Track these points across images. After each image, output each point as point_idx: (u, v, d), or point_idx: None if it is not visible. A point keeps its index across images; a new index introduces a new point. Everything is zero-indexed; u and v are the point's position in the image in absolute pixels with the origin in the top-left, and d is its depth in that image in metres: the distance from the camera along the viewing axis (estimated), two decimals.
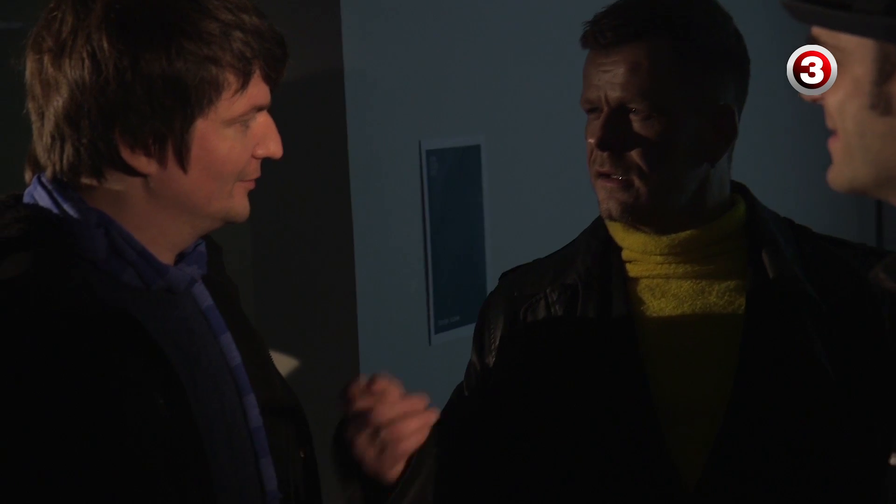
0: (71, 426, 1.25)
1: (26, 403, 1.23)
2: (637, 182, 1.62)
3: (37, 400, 1.24)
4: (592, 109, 1.66)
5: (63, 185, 1.37)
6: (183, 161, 1.36)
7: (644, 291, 1.69)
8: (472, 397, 1.79)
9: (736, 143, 1.69)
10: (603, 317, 1.68)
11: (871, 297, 1.63)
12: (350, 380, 1.55)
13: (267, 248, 2.61)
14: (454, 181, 2.74)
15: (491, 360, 1.77)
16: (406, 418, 1.52)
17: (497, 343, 1.76)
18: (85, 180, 1.36)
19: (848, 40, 1.14)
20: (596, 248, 1.73)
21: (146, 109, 1.32)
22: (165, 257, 1.42)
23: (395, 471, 1.50)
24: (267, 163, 1.46)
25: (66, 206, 1.36)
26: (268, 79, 1.40)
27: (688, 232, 1.66)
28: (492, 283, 2.84)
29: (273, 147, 1.43)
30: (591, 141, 1.64)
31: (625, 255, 1.71)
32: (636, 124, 1.61)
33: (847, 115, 1.16)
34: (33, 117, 1.38)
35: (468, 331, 2.81)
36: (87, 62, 1.31)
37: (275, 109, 1.45)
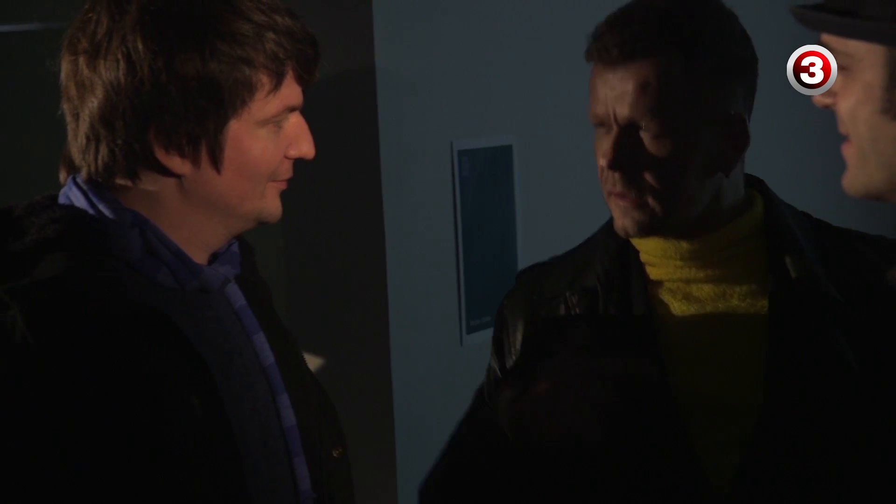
0: (107, 426, 1.25)
1: (62, 403, 1.24)
2: (651, 200, 1.59)
3: (73, 400, 1.24)
4: (600, 124, 1.63)
5: (98, 185, 1.38)
6: (216, 161, 1.36)
7: (665, 294, 1.67)
8: (492, 403, 1.77)
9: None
10: (624, 319, 1.66)
11: (892, 290, 1.61)
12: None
13: (299, 249, 2.61)
14: (486, 182, 2.74)
15: (511, 364, 1.75)
16: None
17: (517, 347, 1.74)
18: (119, 181, 1.37)
19: (857, 46, 1.14)
20: (614, 249, 1.70)
21: (180, 110, 1.33)
22: (199, 257, 1.42)
23: None
24: (298, 162, 1.47)
25: (101, 207, 1.37)
26: (300, 79, 1.41)
27: (706, 236, 1.64)
28: None
29: (305, 147, 1.44)
30: (603, 162, 1.61)
31: (643, 257, 1.69)
32: (647, 143, 1.58)
33: (859, 120, 1.16)
34: (68, 118, 1.39)
35: None
36: (122, 63, 1.32)
37: (306, 109, 1.46)
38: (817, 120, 3.99)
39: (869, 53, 1.14)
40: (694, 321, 1.65)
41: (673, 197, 1.59)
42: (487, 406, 1.73)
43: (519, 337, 1.75)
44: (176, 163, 1.36)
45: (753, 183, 1.71)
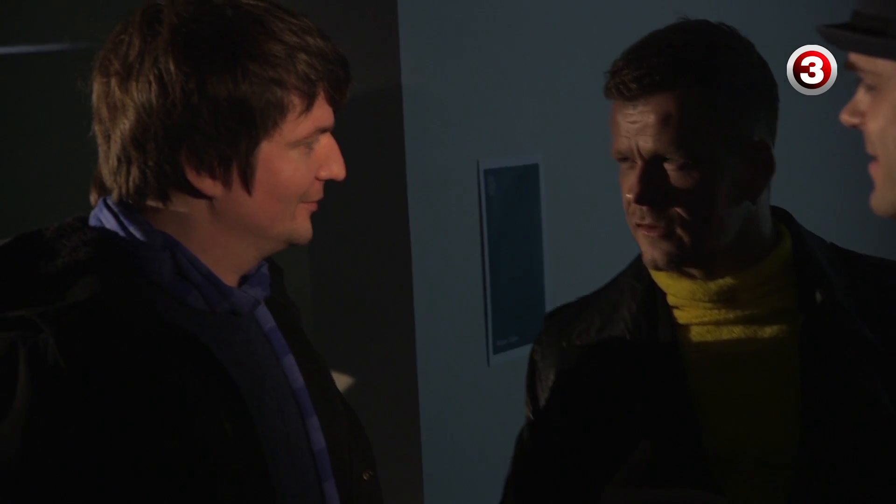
0: (139, 449, 1.25)
1: (94, 426, 1.23)
2: (680, 231, 1.58)
3: (105, 423, 1.24)
4: (624, 159, 1.62)
5: (129, 207, 1.38)
6: (248, 183, 1.36)
7: (694, 338, 1.65)
8: (532, 451, 1.76)
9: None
10: (652, 367, 1.64)
11: None
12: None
13: (325, 268, 2.61)
14: (512, 201, 2.73)
15: (545, 414, 1.74)
16: None
17: (550, 395, 1.73)
18: (150, 203, 1.37)
19: (885, 66, 1.13)
20: (641, 293, 1.69)
21: (212, 132, 1.32)
22: (229, 279, 1.42)
23: None
24: (325, 182, 1.46)
25: (132, 229, 1.36)
26: (331, 100, 1.40)
27: (735, 276, 1.62)
28: (550, 304, 2.84)
29: (336, 169, 1.43)
30: (629, 196, 1.60)
31: (671, 300, 1.67)
32: (672, 175, 1.57)
33: (888, 140, 1.15)
34: (99, 140, 1.39)
35: (526, 351, 2.79)
36: (153, 85, 1.32)
37: (333, 128, 1.45)
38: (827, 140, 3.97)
39: None
40: (724, 365, 1.63)
41: (701, 226, 1.57)
42: (529, 459, 1.74)
43: (551, 385, 1.74)
44: (207, 184, 1.35)
45: (780, 216, 1.70)
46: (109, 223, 1.38)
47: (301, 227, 1.43)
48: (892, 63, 1.12)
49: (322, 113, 1.39)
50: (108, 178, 1.39)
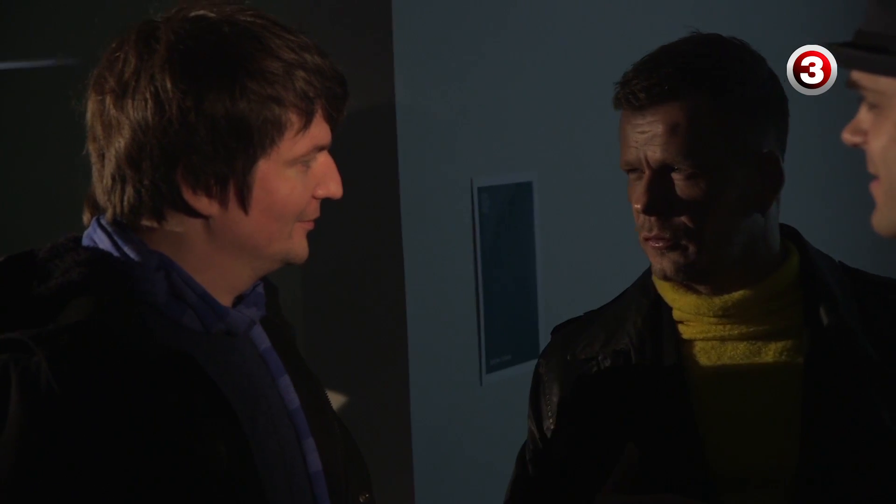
0: (132, 472, 1.23)
1: (88, 450, 1.21)
2: (688, 241, 1.58)
3: (98, 446, 1.22)
4: (632, 170, 1.62)
5: (123, 227, 1.36)
6: (245, 202, 1.34)
7: (699, 354, 1.64)
8: (536, 469, 1.75)
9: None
10: (656, 382, 1.64)
11: None
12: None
13: (318, 287, 2.59)
14: (506, 219, 2.72)
15: (549, 427, 1.74)
16: None
17: (555, 409, 1.73)
18: (145, 222, 1.35)
19: (889, 84, 1.12)
20: (647, 308, 1.69)
21: (209, 150, 1.31)
22: (225, 299, 1.40)
23: None
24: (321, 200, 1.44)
25: (126, 249, 1.34)
26: (329, 118, 1.39)
27: (741, 292, 1.61)
28: (543, 322, 2.83)
29: (333, 188, 1.42)
30: (637, 206, 1.59)
31: (676, 315, 1.66)
32: (680, 185, 1.57)
33: (891, 160, 1.14)
34: (93, 158, 1.37)
35: (520, 370, 2.81)
36: (150, 103, 1.30)
37: (330, 146, 1.44)
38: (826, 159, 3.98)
39: None
40: (728, 382, 1.62)
41: (709, 237, 1.57)
42: (531, 475, 1.73)
43: (555, 400, 1.73)
44: (203, 203, 1.33)
45: (788, 233, 1.69)
46: (103, 243, 1.36)
47: (298, 246, 1.42)
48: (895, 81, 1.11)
49: (320, 131, 1.38)
50: (101, 198, 1.37)
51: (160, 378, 1.27)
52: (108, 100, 1.33)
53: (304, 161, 1.38)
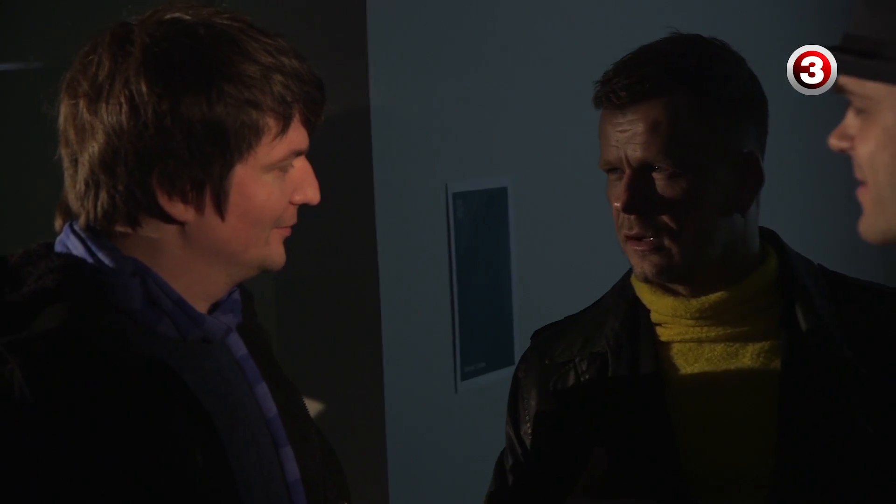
0: (108, 481, 1.21)
1: (62, 459, 1.19)
2: (669, 242, 1.57)
3: (73, 456, 1.20)
4: (612, 170, 1.61)
5: (97, 233, 1.34)
6: (221, 208, 1.32)
7: (676, 356, 1.64)
8: (514, 474, 1.74)
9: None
10: (633, 385, 1.63)
11: None
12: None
13: (291, 292, 2.57)
14: (481, 224, 2.70)
15: (527, 431, 1.73)
16: None
17: (532, 413, 1.72)
18: (119, 228, 1.33)
19: (877, 89, 1.11)
20: (624, 310, 1.68)
21: (185, 155, 1.29)
22: (201, 306, 1.38)
23: None
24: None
25: (100, 256, 1.32)
26: (307, 123, 1.37)
27: (719, 293, 1.61)
28: (518, 329, 2.82)
29: (311, 193, 1.40)
30: (617, 205, 1.58)
31: (654, 317, 1.66)
32: (661, 183, 1.56)
33: (879, 166, 1.13)
34: (66, 164, 1.35)
35: (495, 377, 2.79)
36: (124, 106, 1.28)
37: (307, 151, 1.42)
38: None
39: (889, 96, 1.11)
40: (705, 384, 1.62)
41: (690, 237, 1.56)
42: (510, 479, 1.72)
43: (533, 404, 1.72)
44: (179, 209, 1.31)
45: (767, 236, 1.69)
46: (77, 249, 1.33)
47: (275, 252, 1.40)
48: (884, 86, 1.10)
49: (297, 135, 1.36)
50: (74, 203, 1.34)
51: (136, 386, 1.25)
52: (82, 104, 1.30)
53: (281, 166, 1.36)
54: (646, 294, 1.66)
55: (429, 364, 2.61)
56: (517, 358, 2.73)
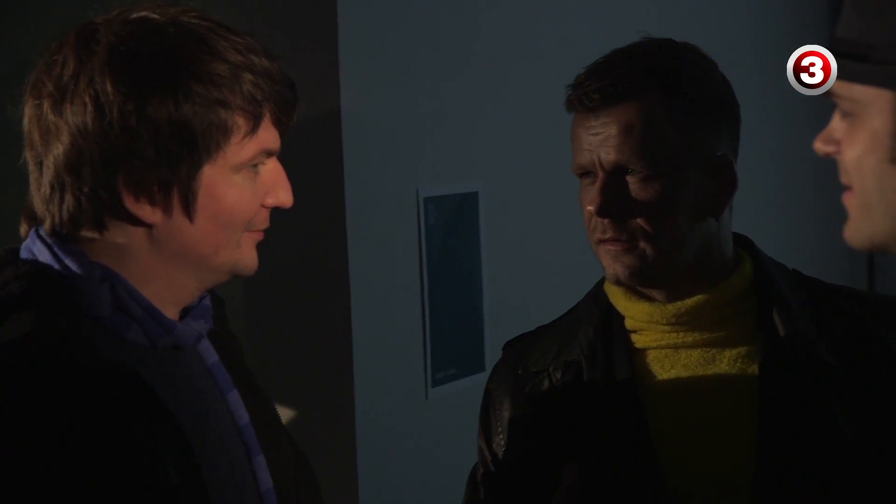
0: (77, 493, 1.17)
1: (31, 470, 1.16)
2: (643, 244, 1.55)
3: (42, 466, 1.17)
4: (585, 174, 1.59)
5: (63, 238, 1.31)
6: (189, 209, 1.29)
7: (652, 363, 1.62)
8: (487, 487, 1.72)
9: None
10: (609, 393, 1.61)
11: (888, 351, 1.57)
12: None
13: (260, 298, 2.54)
14: (452, 229, 2.68)
15: (499, 442, 1.70)
16: None
17: (505, 424, 1.69)
18: (86, 233, 1.30)
19: (865, 92, 1.10)
20: (598, 318, 1.66)
21: (151, 155, 1.26)
22: (171, 312, 1.35)
23: None
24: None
25: (67, 261, 1.29)
26: (278, 123, 1.35)
27: (695, 298, 1.59)
28: (489, 336, 2.80)
29: (283, 196, 1.38)
30: (590, 208, 1.56)
31: (629, 324, 1.64)
32: (635, 186, 1.54)
33: (866, 170, 1.12)
34: (31, 167, 1.32)
35: (465, 384, 2.77)
36: (89, 106, 1.25)
37: (279, 153, 1.39)
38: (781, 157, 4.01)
39: (877, 99, 1.10)
40: (682, 390, 1.60)
41: (664, 240, 1.55)
42: (481, 497, 1.70)
43: (506, 415, 1.69)
44: (146, 211, 1.28)
45: (740, 241, 1.67)
46: (43, 255, 1.30)
47: (247, 257, 1.37)
48: (872, 89, 1.09)
49: (268, 135, 1.34)
50: (40, 207, 1.31)
51: (104, 395, 1.22)
52: (46, 104, 1.28)
53: (252, 166, 1.33)
54: (620, 301, 1.64)
55: (400, 370, 2.58)
56: (488, 364, 2.74)
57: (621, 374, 1.61)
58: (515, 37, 2.90)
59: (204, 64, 1.27)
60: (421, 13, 2.62)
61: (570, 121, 1.63)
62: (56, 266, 1.29)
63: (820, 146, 1.16)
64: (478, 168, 2.77)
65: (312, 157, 2.43)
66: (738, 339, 1.61)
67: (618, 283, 1.59)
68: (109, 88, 1.25)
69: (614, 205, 1.54)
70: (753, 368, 1.59)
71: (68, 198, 1.28)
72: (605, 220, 1.55)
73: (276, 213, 1.41)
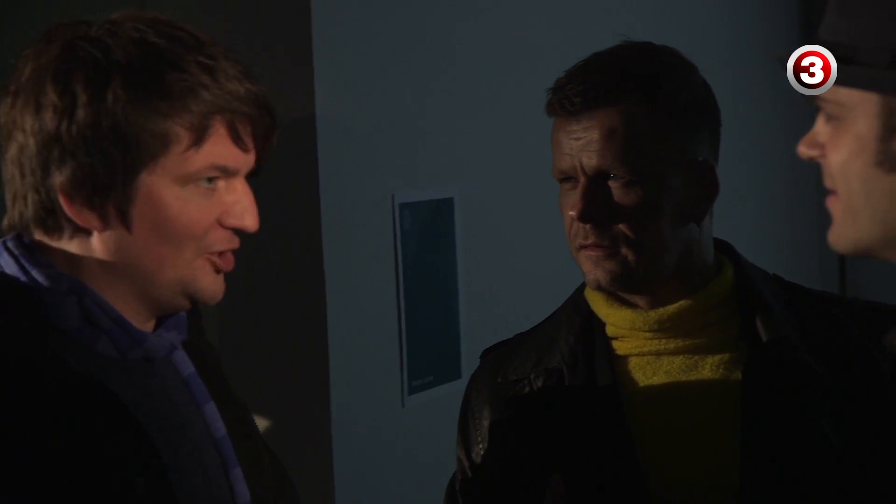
0: None
1: None
2: (624, 249, 1.54)
3: (7, 482, 1.14)
4: (566, 179, 1.57)
5: (30, 249, 1.28)
6: (125, 216, 1.26)
7: (634, 370, 1.60)
8: (466, 497, 1.70)
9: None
10: (590, 401, 1.59)
11: (870, 356, 1.57)
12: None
13: (234, 305, 2.51)
14: (427, 235, 2.66)
15: (479, 452, 1.68)
16: None
17: (485, 433, 1.67)
18: (40, 237, 1.28)
19: (850, 95, 1.09)
20: (579, 324, 1.64)
21: (84, 158, 1.24)
22: (142, 324, 1.32)
23: None
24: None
25: (34, 273, 1.27)
26: (237, 140, 1.30)
27: (677, 304, 1.58)
28: (466, 343, 2.78)
29: (249, 220, 1.32)
30: (572, 213, 1.54)
31: (610, 331, 1.62)
32: (617, 191, 1.53)
33: (851, 174, 1.11)
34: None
35: (442, 391, 2.75)
36: (31, 107, 1.25)
37: (252, 174, 1.36)
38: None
39: (862, 103, 1.09)
40: (665, 398, 1.59)
41: (645, 245, 1.53)
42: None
43: (485, 424, 1.67)
44: (85, 216, 1.26)
45: (721, 246, 1.66)
46: (9, 267, 1.28)
47: (202, 280, 1.31)
48: (857, 92, 1.07)
49: (221, 150, 1.28)
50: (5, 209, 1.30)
51: (72, 409, 1.19)
52: (7, 103, 1.27)
53: (206, 181, 1.29)
54: (601, 307, 1.62)
55: (376, 378, 2.56)
56: (465, 371, 2.72)
57: (603, 381, 1.59)
58: (491, 43, 2.89)
59: (147, 72, 1.24)
60: (396, 19, 2.60)
61: (546, 126, 1.61)
62: (22, 278, 1.27)
63: (804, 150, 1.14)
64: (453, 174, 2.76)
65: (287, 162, 2.40)
66: (720, 345, 1.59)
67: (599, 288, 1.57)
68: (49, 89, 1.24)
69: (596, 210, 1.53)
70: (736, 374, 1.57)
71: (19, 199, 1.28)
72: (587, 226, 1.54)
73: None
